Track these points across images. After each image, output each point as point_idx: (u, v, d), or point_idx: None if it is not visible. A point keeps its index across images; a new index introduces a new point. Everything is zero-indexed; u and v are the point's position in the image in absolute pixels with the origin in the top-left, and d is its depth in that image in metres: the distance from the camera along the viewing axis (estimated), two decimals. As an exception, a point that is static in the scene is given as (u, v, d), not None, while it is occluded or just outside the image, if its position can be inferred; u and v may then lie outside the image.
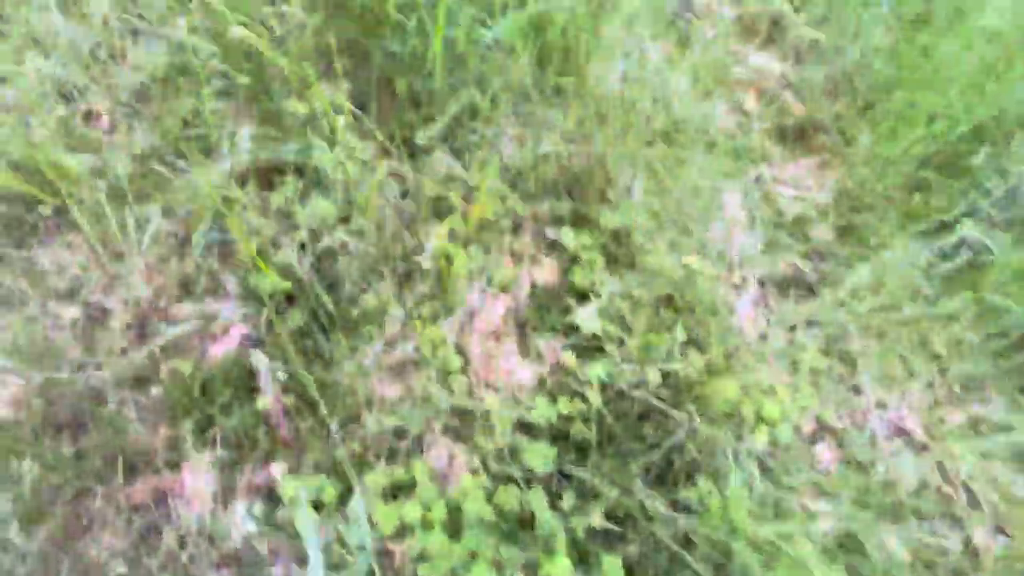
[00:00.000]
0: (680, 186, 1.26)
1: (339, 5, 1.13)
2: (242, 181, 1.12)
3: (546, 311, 1.07)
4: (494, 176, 1.14)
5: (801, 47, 1.53)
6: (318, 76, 1.13)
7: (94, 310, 1.03)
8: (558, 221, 1.16)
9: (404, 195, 1.16)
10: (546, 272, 1.10)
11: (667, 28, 1.55)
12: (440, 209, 1.15)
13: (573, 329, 1.04)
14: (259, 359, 0.94)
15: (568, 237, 1.08)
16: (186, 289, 1.05)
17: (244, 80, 1.00)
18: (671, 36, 1.55)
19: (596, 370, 0.95)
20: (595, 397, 0.96)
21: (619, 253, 1.15)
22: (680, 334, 1.01)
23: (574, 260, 1.10)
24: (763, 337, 1.22)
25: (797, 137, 1.46)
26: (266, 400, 0.94)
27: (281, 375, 0.94)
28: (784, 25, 1.55)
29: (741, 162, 1.40)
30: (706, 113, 1.42)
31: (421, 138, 1.16)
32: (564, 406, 0.94)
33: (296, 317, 1.04)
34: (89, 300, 1.03)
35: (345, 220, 1.10)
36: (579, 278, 1.05)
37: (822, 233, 1.33)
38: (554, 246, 1.17)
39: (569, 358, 0.98)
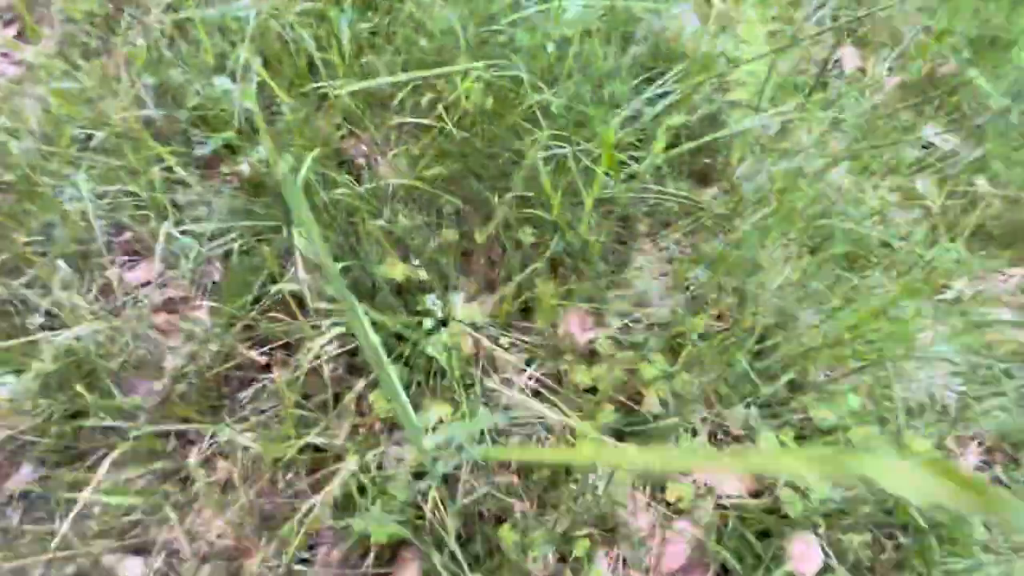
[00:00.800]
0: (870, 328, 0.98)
1: (441, 152, 0.87)
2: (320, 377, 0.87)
3: (744, 544, 0.80)
4: (658, 355, 0.87)
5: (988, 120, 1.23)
6: (423, 237, 0.88)
7: (166, 555, 0.79)
8: (736, 396, 0.89)
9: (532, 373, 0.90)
10: (735, 482, 0.83)
11: (809, 98, 1.26)
12: (583, 395, 0.89)
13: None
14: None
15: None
16: (269, 525, 0.81)
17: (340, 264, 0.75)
18: (816, 109, 1.25)
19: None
20: None
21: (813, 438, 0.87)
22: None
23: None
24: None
25: (998, 240, 1.16)
26: None
27: None
28: (963, 92, 1.25)
29: (932, 277, 1.11)
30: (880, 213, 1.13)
31: (549, 299, 0.90)
32: None
33: (414, 570, 0.79)
34: (155, 545, 0.79)
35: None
36: (793, 510, 0.77)
37: (1057, 375, 1.03)
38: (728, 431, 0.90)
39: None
